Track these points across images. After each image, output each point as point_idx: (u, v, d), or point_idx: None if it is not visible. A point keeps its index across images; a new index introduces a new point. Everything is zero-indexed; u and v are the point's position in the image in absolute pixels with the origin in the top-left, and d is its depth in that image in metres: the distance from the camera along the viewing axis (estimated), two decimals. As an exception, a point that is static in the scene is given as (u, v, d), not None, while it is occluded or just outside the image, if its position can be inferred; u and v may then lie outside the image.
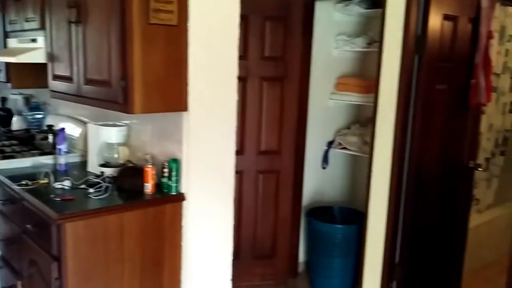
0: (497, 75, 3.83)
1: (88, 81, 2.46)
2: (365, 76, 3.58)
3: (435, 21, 2.73)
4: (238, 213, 3.36)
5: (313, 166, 3.68)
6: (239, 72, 2.57)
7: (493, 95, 3.80)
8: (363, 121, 3.73)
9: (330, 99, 3.64)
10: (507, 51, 3.87)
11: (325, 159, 3.73)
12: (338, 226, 3.41)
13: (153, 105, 2.27)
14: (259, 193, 3.44)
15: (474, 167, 3.26)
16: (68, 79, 2.63)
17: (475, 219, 3.80)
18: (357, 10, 3.33)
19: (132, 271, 2.35)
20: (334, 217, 3.65)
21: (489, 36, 2.97)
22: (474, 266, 3.78)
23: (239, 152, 3.27)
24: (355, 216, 3.46)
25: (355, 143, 3.53)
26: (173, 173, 2.38)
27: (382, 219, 2.98)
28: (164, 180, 2.42)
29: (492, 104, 3.84)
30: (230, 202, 2.65)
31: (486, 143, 3.97)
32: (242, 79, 3.18)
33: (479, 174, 3.91)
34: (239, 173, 3.28)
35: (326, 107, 3.66)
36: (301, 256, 3.74)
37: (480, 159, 3.91)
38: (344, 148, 3.62)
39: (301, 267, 3.75)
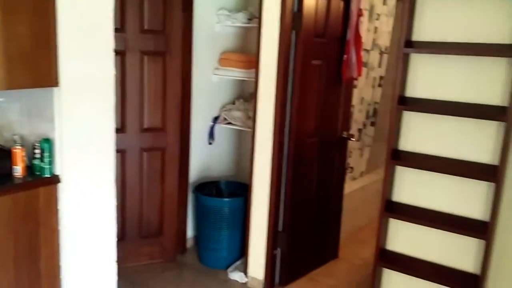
0: (367, 51, 4.11)
1: None
2: (247, 51, 3.63)
3: (310, -2, 2.84)
4: (122, 193, 3.27)
5: (199, 142, 3.68)
6: (116, 45, 2.46)
7: (364, 70, 4.08)
8: (247, 96, 3.80)
9: (214, 74, 3.64)
10: (376, 28, 4.16)
11: (211, 135, 3.74)
12: (225, 199, 3.46)
13: (19, 81, 2.08)
14: (144, 172, 3.36)
15: (347, 138, 3.50)
16: None
17: (350, 186, 4.10)
18: (237, -15, 3.33)
19: (4, 262, 2.18)
20: (221, 191, 3.70)
21: (359, 14, 3.17)
22: (350, 229, 4.09)
23: (120, 130, 3.16)
24: (241, 189, 3.54)
25: (240, 118, 3.59)
26: (46, 154, 2.23)
27: (265, 190, 3.09)
28: (36, 162, 2.26)
29: (363, 78, 4.13)
30: (111, 182, 2.55)
31: (358, 115, 4.28)
32: (121, 53, 3.04)
33: (352, 144, 4.21)
34: (121, 152, 3.18)
35: (210, 82, 3.65)
36: (190, 232, 3.75)
37: (353, 130, 4.21)
38: (229, 123, 3.66)
39: (190, 243, 3.76)
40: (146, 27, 3.15)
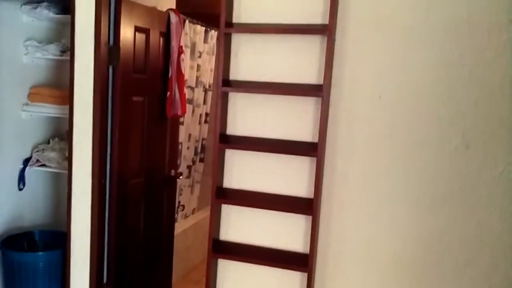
0: (192, 88, 4.11)
1: None
2: (62, 85, 3.32)
3: (126, 32, 2.72)
4: None
5: (7, 188, 3.22)
6: None
7: (189, 107, 4.06)
8: (63, 134, 3.46)
9: (23, 111, 3.25)
10: (198, 66, 4.19)
11: (22, 179, 3.30)
12: (39, 253, 3.05)
13: None
14: None
15: (176, 176, 3.40)
16: None
17: (182, 225, 4.00)
18: (46, 14, 3.04)
19: None
20: (36, 243, 3.26)
21: (180, 51, 3.14)
22: (183, 270, 3.96)
23: None
24: (59, 239, 3.16)
25: (55, 159, 3.24)
26: None
27: (86, 238, 2.80)
28: None
29: (189, 115, 4.10)
30: None
31: (186, 152, 4.22)
32: None
33: (183, 181, 4.14)
34: None
35: (19, 120, 3.24)
36: (-3, 295, 3.21)
37: (183, 167, 4.14)
38: (44, 165, 3.28)
39: (-3, 308, 3.22)
40: None
